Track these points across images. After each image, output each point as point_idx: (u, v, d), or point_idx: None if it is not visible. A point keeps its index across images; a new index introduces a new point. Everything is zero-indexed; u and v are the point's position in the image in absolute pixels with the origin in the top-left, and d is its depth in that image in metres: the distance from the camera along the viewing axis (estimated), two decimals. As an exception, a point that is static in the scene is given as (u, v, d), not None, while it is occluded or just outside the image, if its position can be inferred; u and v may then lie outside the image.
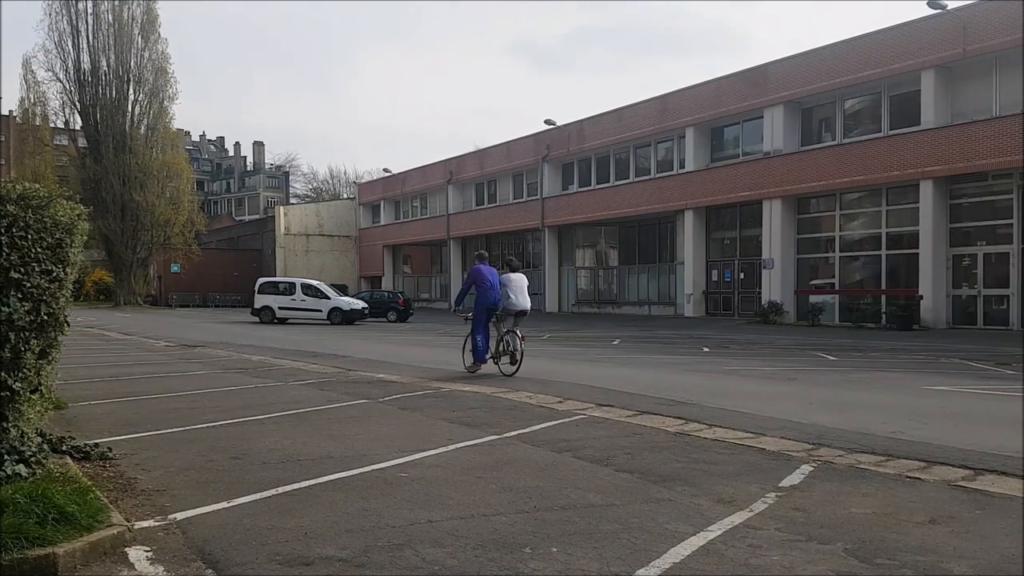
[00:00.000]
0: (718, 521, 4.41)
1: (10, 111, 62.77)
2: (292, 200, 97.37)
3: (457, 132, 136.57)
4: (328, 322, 31.89)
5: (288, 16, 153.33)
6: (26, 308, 4.77)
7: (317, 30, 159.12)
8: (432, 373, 12.33)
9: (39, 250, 4.91)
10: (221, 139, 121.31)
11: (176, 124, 57.16)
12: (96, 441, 6.17)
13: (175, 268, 56.73)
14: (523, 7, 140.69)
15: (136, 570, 3.73)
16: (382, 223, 58.81)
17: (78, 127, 53.77)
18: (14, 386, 4.79)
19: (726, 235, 34.38)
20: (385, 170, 60.80)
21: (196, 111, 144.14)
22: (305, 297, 32.89)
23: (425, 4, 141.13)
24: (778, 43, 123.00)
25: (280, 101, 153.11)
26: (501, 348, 12.02)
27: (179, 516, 4.51)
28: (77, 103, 52.74)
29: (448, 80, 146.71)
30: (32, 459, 4.79)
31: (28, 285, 4.81)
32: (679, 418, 7.89)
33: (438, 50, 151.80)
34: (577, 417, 8.01)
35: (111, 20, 52.15)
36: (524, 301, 12.32)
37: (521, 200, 45.14)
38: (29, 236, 4.84)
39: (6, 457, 4.66)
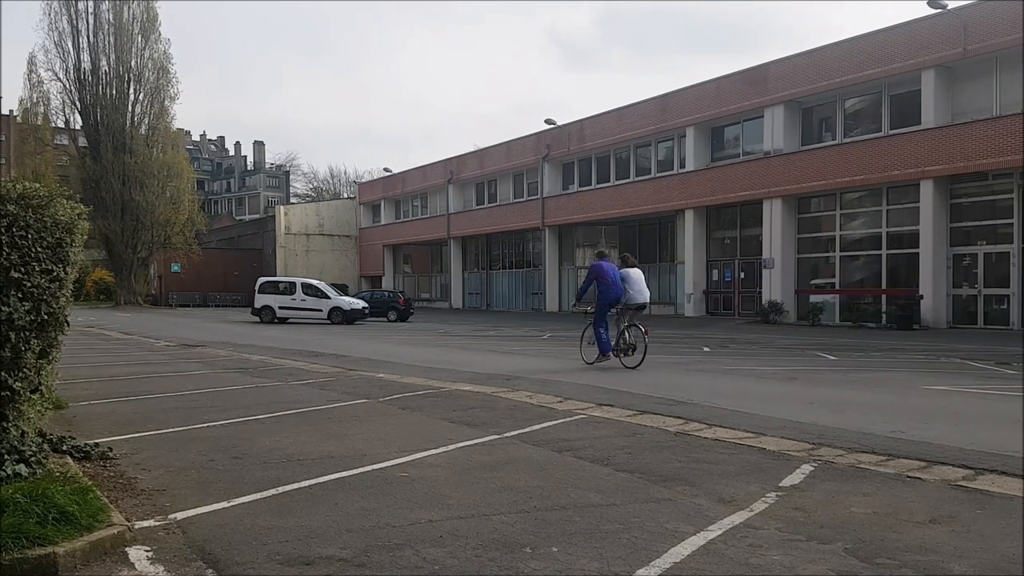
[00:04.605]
0: (718, 521, 4.41)
1: (11, 111, 62.83)
2: (292, 200, 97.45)
3: (460, 131, 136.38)
4: (328, 322, 31.87)
5: (287, 15, 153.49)
6: (26, 308, 4.76)
7: (317, 28, 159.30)
8: (432, 373, 12.33)
9: (39, 249, 4.90)
10: (221, 139, 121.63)
11: (176, 123, 57.27)
12: (96, 441, 6.17)
13: (175, 268, 56.74)
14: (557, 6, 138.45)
15: (136, 570, 3.73)
16: (382, 223, 58.82)
17: (78, 127, 53.77)
18: (14, 386, 4.78)
19: (726, 235, 34.38)
20: (385, 169, 60.95)
21: (196, 110, 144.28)
22: (305, 297, 32.85)
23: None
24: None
25: (280, 101, 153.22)
26: (622, 342, 12.81)
27: (179, 516, 4.51)
28: (77, 103, 52.75)
29: (453, 77, 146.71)
30: (32, 459, 4.79)
31: (28, 285, 4.80)
32: (679, 418, 7.89)
33: (443, 43, 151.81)
34: (577, 417, 8.01)
35: (111, 19, 52.18)
36: (644, 294, 13.08)
37: (521, 200, 45.13)
38: (29, 235, 4.84)
39: (6, 457, 4.66)
